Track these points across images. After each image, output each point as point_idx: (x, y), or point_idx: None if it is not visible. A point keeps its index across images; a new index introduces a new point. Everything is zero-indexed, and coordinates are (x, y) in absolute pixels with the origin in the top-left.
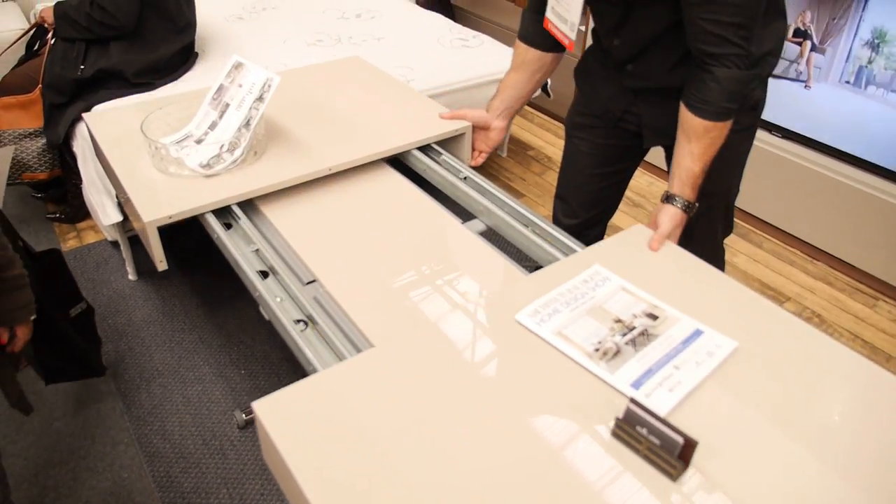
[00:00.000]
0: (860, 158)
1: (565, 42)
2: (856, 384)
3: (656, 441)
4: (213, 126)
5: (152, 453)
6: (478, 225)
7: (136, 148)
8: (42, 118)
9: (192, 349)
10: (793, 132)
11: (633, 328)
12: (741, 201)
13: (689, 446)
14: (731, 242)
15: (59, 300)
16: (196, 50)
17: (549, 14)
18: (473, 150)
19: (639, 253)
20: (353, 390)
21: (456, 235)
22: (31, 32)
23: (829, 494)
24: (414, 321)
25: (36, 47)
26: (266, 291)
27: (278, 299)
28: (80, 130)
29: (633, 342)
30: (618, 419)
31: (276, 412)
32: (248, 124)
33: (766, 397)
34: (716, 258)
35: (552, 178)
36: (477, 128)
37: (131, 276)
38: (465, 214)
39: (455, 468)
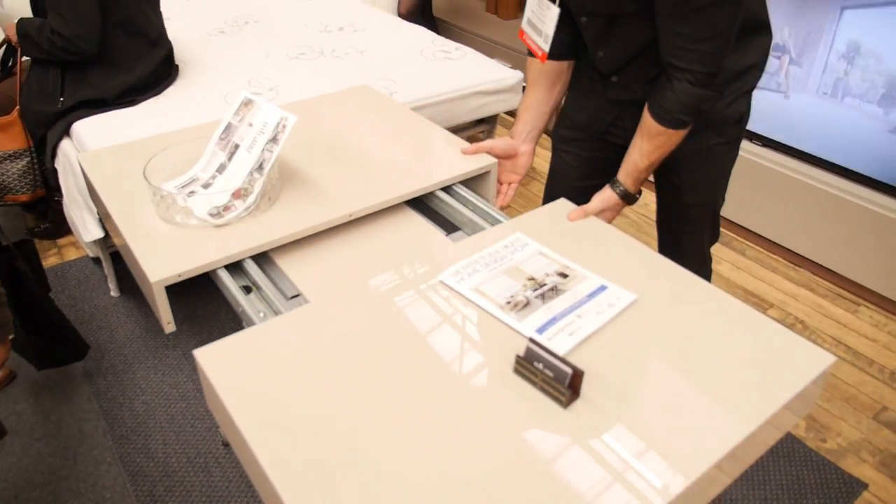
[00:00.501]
0: (840, 166)
1: (538, 53)
2: (737, 327)
3: (550, 374)
4: (221, 169)
5: (136, 472)
6: (462, 237)
7: (137, 193)
8: (21, 139)
9: (176, 366)
10: (773, 141)
11: (544, 284)
12: (724, 209)
13: (576, 376)
14: (715, 250)
15: (42, 286)
16: (177, 62)
17: (524, 25)
18: (499, 183)
19: (561, 224)
20: (291, 341)
21: (440, 247)
22: (3, 49)
23: (702, 418)
24: (348, 281)
25: (10, 64)
26: (249, 307)
27: (261, 314)
28: (62, 147)
29: (542, 296)
30: (518, 356)
31: (216, 360)
32: (260, 168)
33: (656, 339)
34: (703, 266)
35: (538, 189)
36: (502, 158)
37: (113, 293)
38: (448, 226)
39: (380, 405)
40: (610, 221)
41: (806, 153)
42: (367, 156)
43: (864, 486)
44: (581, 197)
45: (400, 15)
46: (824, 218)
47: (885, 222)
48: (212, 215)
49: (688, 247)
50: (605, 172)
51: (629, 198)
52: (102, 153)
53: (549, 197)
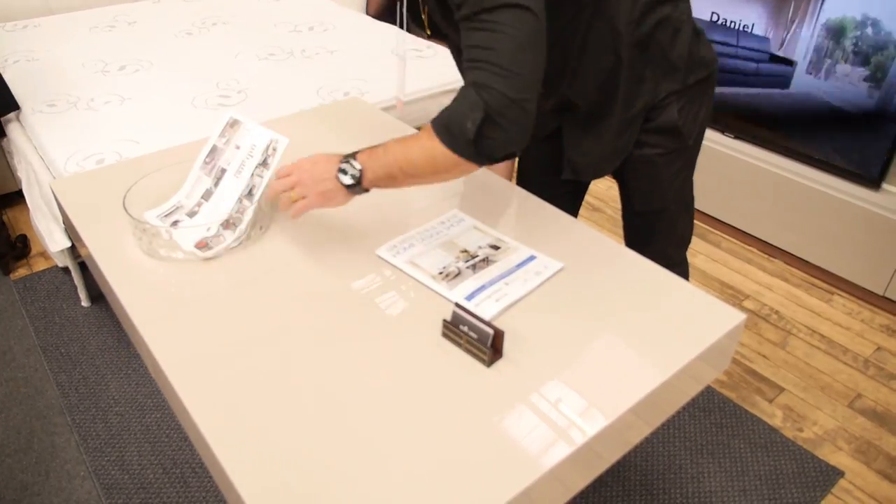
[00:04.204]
0: (812, 157)
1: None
2: (657, 290)
3: (474, 335)
4: (206, 195)
5: (110, 485)
6: None
7: (116, 224)
8: None
9: (150, 375)
10: (745, 133)
11: (476, 256)
12: (698, 202)
13: (498, 336)
14: (691, 243)
15: None
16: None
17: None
18: None
19: (498, 201)
20: (230, 309)
21: (377, 224)
22: None
23: (619, 369)
24: (290, 258)
25: None
26: None
27: None
28: (25, 154)
29: (473, 267)
30: (445, 321)
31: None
32: (250, 194)
33: (579, 303)
34: (670, 269)
35: None
36: None
37: (84, 303)
38: None
39: (315, 366)
40: (312, 206)
41: (779, 144)
42: None
43: (841, 473)
44: (549, 190)
45: (368, 13)
46: (797, 208)
47: (856, 212)
48: (199, 247)
49: (649, 251)
50: None
51: (355, 187)
52: (77, 179)
53: (518, 185)
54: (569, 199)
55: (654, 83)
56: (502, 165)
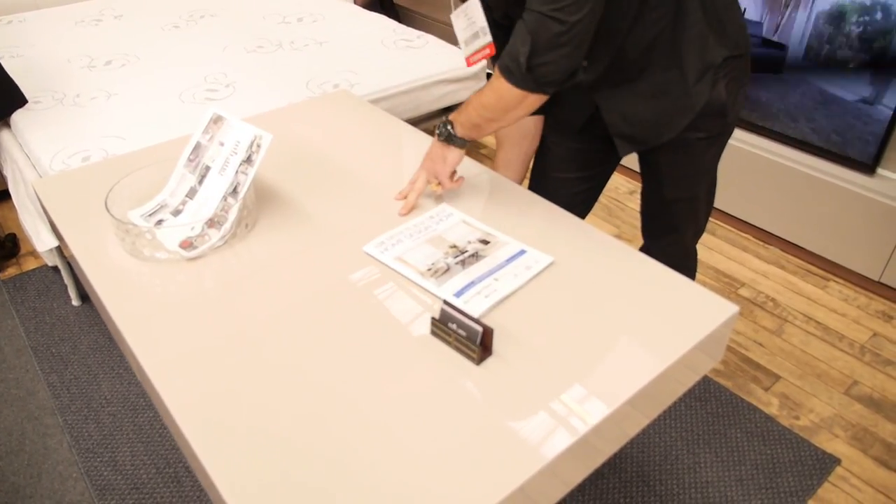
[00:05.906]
0: (808, 143)
1: (488, 50)
2: (650, 282)
3: (463, 333)
4: (191, 193)
5: (103, 486)
6: None
7: (99, 224)
8: None
9: None
10: (740, 119)
11: (465, 251)
12: None
13: (487, 334)
14: None
15: None
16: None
17: (463, 46)
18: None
19: (487, 194)
20: (217, 310)
21: (365, 219)
22: None
23: (614, 362)
24: (276, 251)
25: None
26: None
27: None
28: (11, 153)
29: (462, 262)
30: (433, 319)
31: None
32: (235, 192)
33: (570, 297)
34: (687, 260)
35: None
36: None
37: (75, 302)
38: None
39: (302, 363)
40: (446, 172)
41: (774, 131)
42: (352, 171)
43: (837, 461)
44: (571, 187)
45: (356, 3)
46: (792, 195)
47: (851, 197)
48: (183, 247)
49: (669, 240)
50: (596, 162)
51: (449, 138)
52: (60, 179)
53: (535, 187)
54: (589, 195)
55: (710, 41)
56: (516, 165)
